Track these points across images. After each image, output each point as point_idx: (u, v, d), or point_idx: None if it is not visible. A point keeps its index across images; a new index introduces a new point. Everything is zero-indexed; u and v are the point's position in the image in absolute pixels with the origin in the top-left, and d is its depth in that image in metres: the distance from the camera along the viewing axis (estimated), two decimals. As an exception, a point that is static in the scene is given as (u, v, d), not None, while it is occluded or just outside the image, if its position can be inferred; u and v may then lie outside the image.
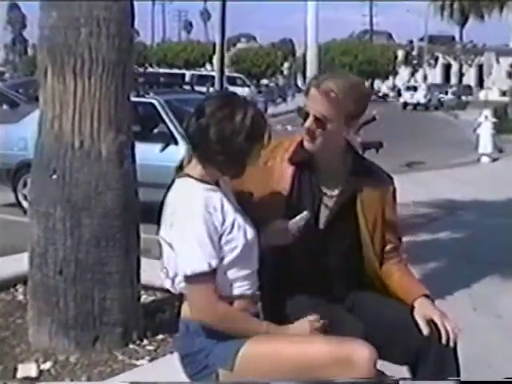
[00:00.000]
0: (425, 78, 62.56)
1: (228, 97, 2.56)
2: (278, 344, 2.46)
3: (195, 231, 2.40)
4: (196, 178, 2.50)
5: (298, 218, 2.60)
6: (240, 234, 2.49)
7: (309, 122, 2.64)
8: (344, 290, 2.80)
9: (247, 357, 2.44)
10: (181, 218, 2.44)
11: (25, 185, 8.39)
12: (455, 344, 2.70)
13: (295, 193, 2.73)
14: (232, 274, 2.50)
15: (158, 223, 2.56)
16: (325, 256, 2.74)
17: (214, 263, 2.40)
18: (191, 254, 2.40)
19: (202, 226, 2.40)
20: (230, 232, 2.46)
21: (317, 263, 2.73)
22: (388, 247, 2.84)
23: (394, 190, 2.88)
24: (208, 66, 48.44)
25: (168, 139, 7.78)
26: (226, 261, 2.47)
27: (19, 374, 3.52)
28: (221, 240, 2.44)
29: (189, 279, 2.42)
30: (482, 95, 39.11)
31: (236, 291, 2.52)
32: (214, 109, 2.45)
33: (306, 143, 2.69)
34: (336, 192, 2.75)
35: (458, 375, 2.72)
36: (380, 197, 2.79)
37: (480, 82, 59.14)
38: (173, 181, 2.56)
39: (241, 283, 2.52)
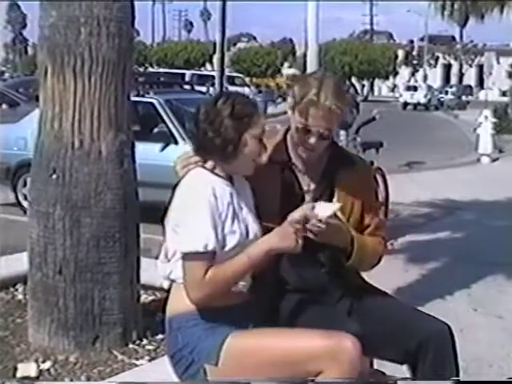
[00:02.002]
0: (425, 77, 62.57)
1: (217, 93, 2.70)
2: (262, 337, 2.48)
3: (199, 213, 2.45)
4: (208, 169, 2.57)
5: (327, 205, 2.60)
6: (242, 228, 2.53)
7: (314, 140, 2.66)
8: (336, 286, 2.80)
9: (232, 351, 2.45)
10: (188, 202, 2.49)
11: (25, 184, 8.39)
12: (454, 343, 2.69)
13: (277, 193, 2.74)
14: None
15: (162, 220, 2.59)
16: (313, 254, 2.73)
17: (211, 246, 2.44)
18: (191, 234, 2.44)
19: (207, 210, 2.45)
20: (233, 222, 2.51)
21: (305, 262, 2.72)
22: (368, 230, 2.82)
23: (370, 173, 3.00)
24: (208, 66, 48.49)
25: (168, 139, 7.77)
26: (225, 249, 2.49)
27: (19, 374, 3.51)
28: (224, 229, 2.49)
29: (184, 257, 2.46)
30: (482, 95, 39.12)
31: None
32: (204, 103, 2.59)
33: (303, 154, 2.73)
34: (312, 187, 2.79)
35: (458, 374, 2.71)
36: (356, 182, 2.79)
37: (480, 82, 59.18)
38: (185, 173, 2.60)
39: None
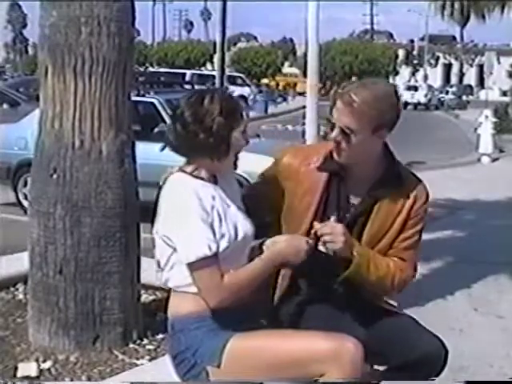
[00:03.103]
0: (425, 77, 62.54)
1: (196, 90, 2.65)
2: (265, 339, 2.47)
3: (191, 220, 2.43)
4: (188, 173, 2.53)
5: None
6: (230, 229, 2.50)
7: (334, 134, 2.61)
8: (345, 294, 2.78)
9: (234, 352, 2.44)
10: (175, 210, 2.46)
11: (25, 184, 8.38)
12: (446, 358, 2.69)
13: (323, 202, 2.70)
14: (222, 266, 2.50)
15: (153, 221, 2.56)
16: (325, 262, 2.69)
17: (214, 247, 2.42)
18: (191, 242, 2.42)
19: (197, 214, 2.43)
20: (220, 224, 2.48)
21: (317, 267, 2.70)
22: (392, 254, 2.71)
23: (424, 203, 2.72)
24: (208, 66, 48.47)
25: (168, 138, 7.77)
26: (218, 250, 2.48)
27: (19, 374, 3.51)
28: (214, 230, 2.46)
29: (194, 265, 2.43)
30: (482, 95, 39.07)
31: None
32: (186, 100, 2.53)
33: (334, 154, 2.66)
34: (356, 201, 2.72)
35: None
36: (399, 208, 2.69)
37: (481, 82, 59.13)
38: (165, 179, 2.57)
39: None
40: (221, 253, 2.47)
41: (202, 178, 2.53)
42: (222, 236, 2.48)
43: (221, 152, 2.49)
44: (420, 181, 2.79)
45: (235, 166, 2.59)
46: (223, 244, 2.48)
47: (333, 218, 2.60)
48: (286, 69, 60.22)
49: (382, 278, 2.67)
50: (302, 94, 24.87)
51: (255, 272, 2.50)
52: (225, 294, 2.45)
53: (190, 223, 2.43)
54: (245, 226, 2.57)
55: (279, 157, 2.84)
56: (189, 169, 2.54)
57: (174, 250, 2.48)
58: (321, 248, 2.58)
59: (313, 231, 2.58)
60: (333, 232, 2.55)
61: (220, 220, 2.48)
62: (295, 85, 49.45)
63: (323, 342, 2.41)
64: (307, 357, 2.39)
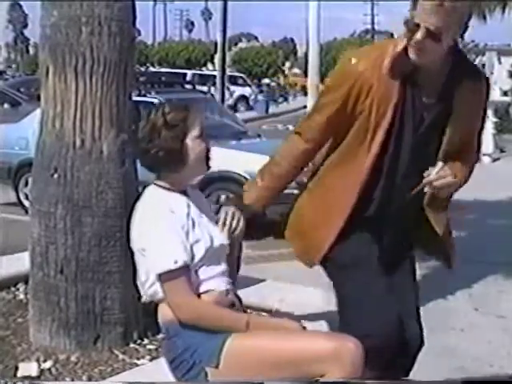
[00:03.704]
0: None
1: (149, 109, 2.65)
2: (262, 340, 2.47)
3: (161, 232, 2.46)
4: (160, 186, 2.57)
5: None
6: (205, 236, 2.54)
7: (420, 35, 2.44)
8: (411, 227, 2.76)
9: (232, 352, 2.44)
10: (147, 222, 2.50)
11: (26, 184, 8.39)
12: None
13: (399, 111, 2.57)
14: (201, 273, 2.53)
15: (128, 232, 2.61)
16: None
17: (181, 260, 2.44)
18: (160, 254, 2.45)
19: (167, 227, 2.46)
20: (195, 234, 2.51)
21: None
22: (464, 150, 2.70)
23: (487, 91, 2.70)
24: (209, 66, 48.45)
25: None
26: (194, 260, 2.50)
27: (20, 373, 3.51)
28: (188, 240, 2.48)
29: (161, 278, 2.46)
30: (483, 95, 38.86)
31: (206, 287, 2.54)
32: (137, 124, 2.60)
33: (413, 56, 2.50)
34: (433, 101, 2.62)
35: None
36: (471, 100, 2.64)
37: (481, 82, 58.94)
38: (141, 191, 2.64)
39: (211, 281, 2.55)
40: (200, 260, 2.50)
41: (173, 191, 2.57)
42: (198, 241, 2.50)
43: (175, 164, 2.52)
44: (481, 71, 2.77)
45: (208, 168, 2.61)
46: (200, 250, 2.51)
47: (440, 164, 2.55)
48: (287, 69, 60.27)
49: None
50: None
51: (229, 322, 2.49)
52: (194, 315, 2.46)
53: (159, 234, 2.46)
54: (219, 236, 2.60)
55: (344, 67, 2.65)
56: (161, 182, 2.58)
57: None
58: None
59: (425, 180, 2.54)
60: (445, 175, 2.53)
61: (194, 226, 2.52)
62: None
63: (324, 342, 2.41)
64: (308, 357, 2.39)
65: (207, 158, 2.59)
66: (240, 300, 2.68)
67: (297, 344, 2.44)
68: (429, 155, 2.63)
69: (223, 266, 2.62)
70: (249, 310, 2.88)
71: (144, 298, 2.63)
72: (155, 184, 2.59)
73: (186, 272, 2.46)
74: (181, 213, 2.50)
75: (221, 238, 2.61)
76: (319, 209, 2.74)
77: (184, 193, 2.59)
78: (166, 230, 2.45)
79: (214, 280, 2.56)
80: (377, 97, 2.55)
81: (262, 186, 2.77)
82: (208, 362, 2.46)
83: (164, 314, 2.57)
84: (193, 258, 2.49)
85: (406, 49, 2.52)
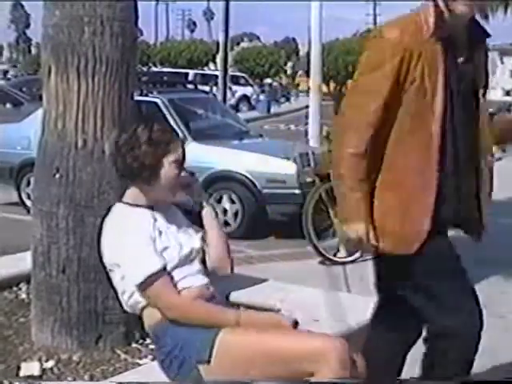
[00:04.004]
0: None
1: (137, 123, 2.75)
2: (253, 336, 2.52)
3: (132, 245, 2.57)
4: (127, 203, 2.69)
5: None
6: (172, 243, 2.63)
7: None
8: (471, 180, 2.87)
9: (224, 346, 2.49)
10: (117, 239, 2.61)
11: (28, 184, 8.41)
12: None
13: (448, 75, 2.59)
14: (176, 274, 2.62)
15: (98, 246, 2.72)
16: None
17: (159, 264, 2.55)
18: (136, 265, 2.55)
19: (136, 239, 2.57)
20: (162, 241, 2.61)
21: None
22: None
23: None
24: (211, 65, 48.46)
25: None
26: (167, 266, 2.59)
27: (22, 373, 3.51)
28: (156, 248, 2.58)
29: (143, 285, 2.54)
30: (485, 95, 38.92)
31: (183, 285, 2.63)
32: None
33: (463, 8, 2.52)
34: (461, 59, 2.66)
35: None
36: (484, 58, 2.74)
37: (483, 82, 58.94)
38: (109, 209, 2.78)
39: (187, 278, 2.64)
40: (171, 266, 2.59)
41: (138, 206, 2.67)
42: (166, 248, 2.60)
43: (145, 177, 2.62)
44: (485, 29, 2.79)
45: (173, 195, 2.70)
46: (170, 256, 2.59)
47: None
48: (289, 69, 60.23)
49: None
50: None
51: (218, 317, 2.58)
52: (183, 312, 2.56)
53: (130, 246, 2.56)
54: (189, 242, 2.69)
55: (387, 40, 2.60)
56: (127, 199, 2.71)
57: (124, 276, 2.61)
58: None
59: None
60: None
61: (162, 236, 2.62)
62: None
63: (310, 341, 2.47)
64: (296, 355, 2.44)
65: (176, 186, 2.68)
66: (227, 297, 2.79)
67: (285, 343, 2.49)
68: (472, 116, 2.69)
69: (197, 266, 2.71)
70: (242, 308, 3.01)
71: (127, 309, 2.73)
72: (121, 202, 2.71)
73: (165, 274, 2.56)
74: (145, 225, 2.61)
75: (191, 243, 2.69)
76: (403, 193, 2.70)
77: (150, 207, 2.69)
78: (136, 242, 2.56)
79: (189, 278, 2.65)
80: (426, 63, 2.55)
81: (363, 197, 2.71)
82: (199, 356, 2.50)
83: (149, 318, 2.64)
84: (165, 264, 2.58)
85: (440, 12, 2.55)
